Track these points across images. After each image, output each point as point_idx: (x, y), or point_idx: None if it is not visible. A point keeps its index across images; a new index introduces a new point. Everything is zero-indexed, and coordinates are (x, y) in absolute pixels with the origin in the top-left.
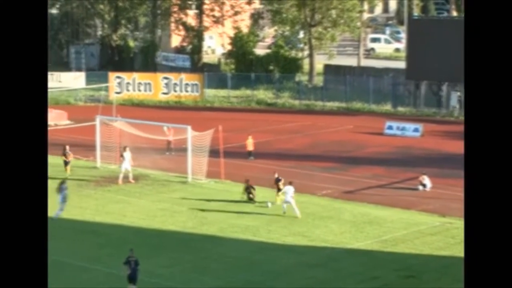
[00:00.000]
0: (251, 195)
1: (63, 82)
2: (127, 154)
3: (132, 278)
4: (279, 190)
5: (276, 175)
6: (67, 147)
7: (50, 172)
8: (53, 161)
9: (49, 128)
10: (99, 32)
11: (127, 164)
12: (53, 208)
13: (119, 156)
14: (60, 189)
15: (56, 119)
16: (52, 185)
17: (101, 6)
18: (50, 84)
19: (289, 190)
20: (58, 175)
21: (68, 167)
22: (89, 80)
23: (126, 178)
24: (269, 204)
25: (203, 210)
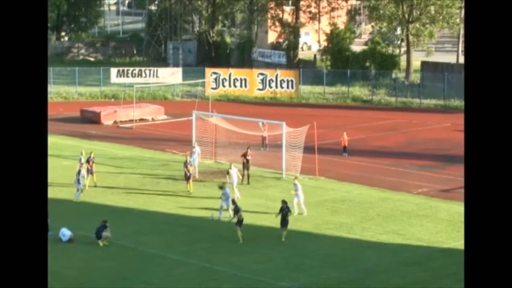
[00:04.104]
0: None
1: (161, 77)
2: (196, 149)
3: (283, 224)
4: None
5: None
6: (188, 158)
7: (148, 166)
8: (153, 155)
9: (146, 123)
10: (197, 28)
11: (195, 160)
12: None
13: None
14: (223, 190)
15: (153, 113)
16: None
17: (199, 3)
18: (148, 79)
19: (297, 187)
20: (154, 172)
21: (191, 182)
22: (186, 76)
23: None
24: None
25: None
